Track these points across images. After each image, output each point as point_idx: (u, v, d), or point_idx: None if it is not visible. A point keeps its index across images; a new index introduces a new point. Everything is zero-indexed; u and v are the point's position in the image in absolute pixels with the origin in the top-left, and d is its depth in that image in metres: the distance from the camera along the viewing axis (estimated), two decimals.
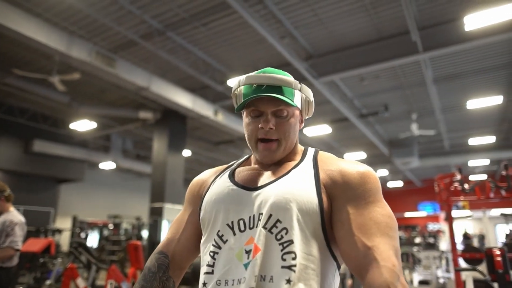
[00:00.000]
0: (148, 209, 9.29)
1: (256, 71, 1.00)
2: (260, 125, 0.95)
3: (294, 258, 0.83)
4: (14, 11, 5.43)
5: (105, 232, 12.23)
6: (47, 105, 9.89)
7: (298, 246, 0.84)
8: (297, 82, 0.99)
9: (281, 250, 0.84)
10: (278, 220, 0.86)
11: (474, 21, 5.55)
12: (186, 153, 12.54)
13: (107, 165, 13.14)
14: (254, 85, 0.97)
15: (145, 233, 11.65)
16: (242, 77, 1.00)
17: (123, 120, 10.63)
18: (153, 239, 8.73)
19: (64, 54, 6.04)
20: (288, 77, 0.98)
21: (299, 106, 1.00)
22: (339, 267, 0.93)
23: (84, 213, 14.09)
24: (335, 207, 0.89)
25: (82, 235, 12.42)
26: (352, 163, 0.95)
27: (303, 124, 1.06)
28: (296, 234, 0.85)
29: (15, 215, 3.16)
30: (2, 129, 10.08)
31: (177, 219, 1.11)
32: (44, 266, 5.79)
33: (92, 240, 12.42)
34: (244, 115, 1.02)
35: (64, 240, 11.79)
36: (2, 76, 7.44)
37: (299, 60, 6.94)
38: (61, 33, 5.99)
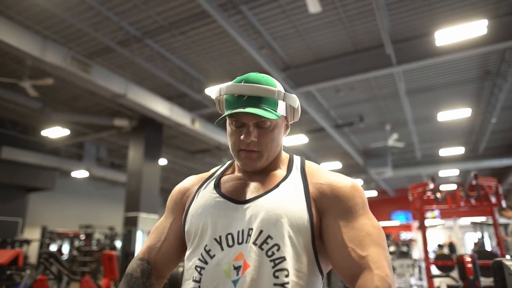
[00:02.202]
0: (122, 219, 9.08)
1: (239, 77, 0.97)
2: (242, 137, 0.93)
3: (287, 276, 0.82)
4: None
5: (76, 243, 11.85)
6: (16, 111, 9.55)
7: (290, 263, 0.83)
8: (281, 91, 0.95)
9: (273, 267, 0.82)
10: (269, 236, 0.85)
11: (445, 36, 5.79)
12: (162, 161, 12.37)
13: (80, 173, 12.78)
14: (235, 94, 0.93)
15: (118, 244, 11.35)
16: (224, 86, 0.96)
17: (97, 128, 10.40)
18: (127, 250, 8.51)
19: (38, 59, 5.86)
20: (271, 87, 0.94)
21: (283, 114, 0.97)
22: (323, 278, 0.93)
23: (55, 223, 13.61)
24: (326, 221, 0.89)
25: (54, 246, 11.99)
26: (339, 177, 0.95)
27: (288, 130, 1.05)
28: (288, 251, 0.84)
29: None
30: None
31: (158, 226, 1.07)
32: (10, 278, 5.52)
33: (64, 251, 12.02)
34: (227, 122, 0.99)
35: (33, 251, 11.33)
36: None
37: (276, 70, 7.02)
38: (34, 36, 5.82)
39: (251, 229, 0.87)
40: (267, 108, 0.92)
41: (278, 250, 0.84)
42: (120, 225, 10.67)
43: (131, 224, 8.65)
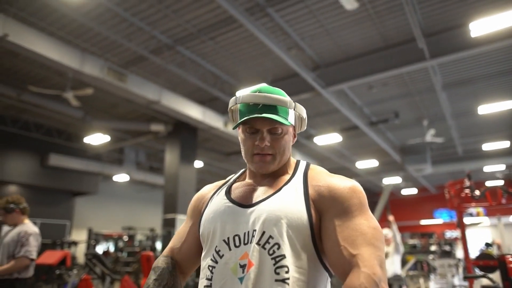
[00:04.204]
0: (161, 220, 9.39)
1: (252, 89, 1.05)
2: (256, 142, 1.01)
3: (287, 272, 0.88)
4: (28, 31, 5.65)
5: (120, 244, 12.37)
6: (61, 120, 10.14)
7: (290, 260, 0.89)
8: (292, 101, 1.04)
9: (274, 265, 0.89)
10: (270, 236, 0.91)
11: (480, 27, 5.54)
12: (198, 164, 12.65)
13: (121, 177, 13.33)
14: (250, 103, 1.02)
15: (158, 245, 11.74)
16: (239, 95, 1.04)
17: (135, 133, 10.82)
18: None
19: (77, 71, 6.23)
20: (283, 97, 1.02)
21: (293, 123, 1.05)
22: (331, 276, 0.98)
23: (99, 225, 14.28)
24: (323, 221, 0.94)
25: (100, 247, 12.58)
26: (340, 179, 0.99)
27: (295, 139, 1.12)
28: (288, 249, 0.90)
29: (29, 226, 3.28)
30: (19, 144, 10.36)
31: (179, 231, 1.19)
32: (60, 278, 5.89)
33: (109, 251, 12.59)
34: (240, 130, 1.07)
35: (80, 252, 11.96)
36: (18, 93, 7.70)
37: (306, 70, 7.01)
38: (73, 50, 6.19)
39: (255, 230, 0.94)
40: (280, 115, 1.00)
41: (278, 248, 0.90)
42: (159, 227, 11.04)
43: (169, 226, 8.93)
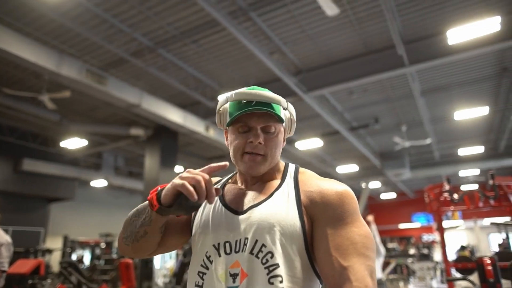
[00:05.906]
0: None
1: (244, 88, 1.02)
2: (249, 139, 0.97)
3: (281, 282, 0.85)
4: (3, 30, 5.44)
5: (97, 251, 12.05)
6: (36, 124, 9.82)
7: (283, 270, 0.87)
8: (285, 100, 1.01)
9: (267, 274, 0.86)
10: (263, 245, 0.89)
11: (457, 35, 5.71)
12: (178, 169, 12.48)
13: (99, 183, 13.00)
14: (243, 101, 0.98)
15: None
16: (231, 93, 1.00)
17: (114, 137, 10.59)
18: (146, 258, 8.60)
19: (54, 73, 6.03)
20: (277, 95, 1.00)
21: (286, 123, 1.03)
22: (321, 283, 0.96)
23: (76, 232, 13.87)
24: (315, 228, 0.92)
25: (75, 255, 12.21)
26: (331, 183, 0.97)
27: (285, 143, 1.08)
28: (281, 258, 0.88)
29: (1, 235, 3.12)
30: None
31: None
32: (33, 287, 5.67)
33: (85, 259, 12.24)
34: (229, 131, 1.02)
35: (55, 260, 11.58)
36: None
37: (288, 75, 7.03)
38: (51, 51, 6.00)
39: (247, 238, 0.91)
40: (276, 112, 0.98)
41: (271, 257, 0.87)
42: None
43: None
